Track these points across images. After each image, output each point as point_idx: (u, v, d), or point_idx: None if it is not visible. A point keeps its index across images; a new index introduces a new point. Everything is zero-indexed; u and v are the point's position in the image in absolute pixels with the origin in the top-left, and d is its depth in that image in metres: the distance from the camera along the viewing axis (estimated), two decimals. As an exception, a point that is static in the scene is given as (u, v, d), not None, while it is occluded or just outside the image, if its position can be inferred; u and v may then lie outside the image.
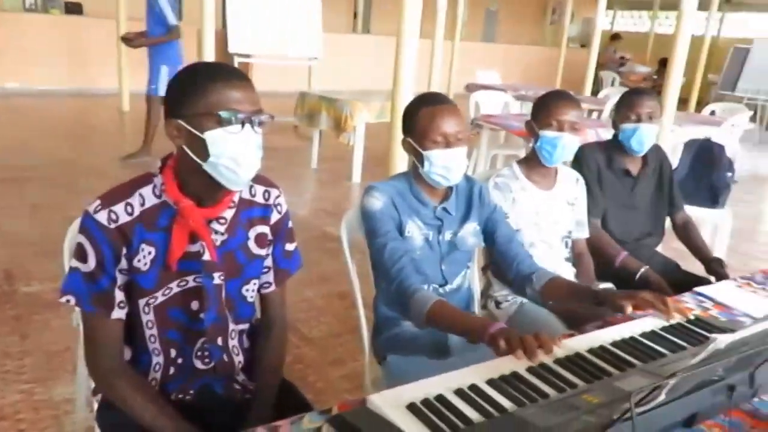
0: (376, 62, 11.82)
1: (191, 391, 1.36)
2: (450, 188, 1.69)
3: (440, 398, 0.98)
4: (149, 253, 1.24)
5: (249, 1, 7.55)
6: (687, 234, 2.48)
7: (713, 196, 3.83)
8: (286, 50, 7.93)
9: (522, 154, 5.39)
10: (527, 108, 7.41)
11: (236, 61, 7.35)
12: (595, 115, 7.19)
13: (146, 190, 1.25)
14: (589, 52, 9.38)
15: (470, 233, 1.72)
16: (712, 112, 7.02)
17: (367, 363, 1.72)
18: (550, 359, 1.15)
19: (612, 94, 7.78)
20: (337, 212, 4.74)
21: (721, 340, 0.82)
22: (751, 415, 1.14)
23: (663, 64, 10.02)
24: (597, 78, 11.25)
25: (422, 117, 1.62)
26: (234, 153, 1.20)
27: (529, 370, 1.11)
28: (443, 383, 1.03)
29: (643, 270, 2.16)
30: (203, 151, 1.19)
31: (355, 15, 14.15)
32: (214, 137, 1.18)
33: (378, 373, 1.73)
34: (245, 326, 1.44)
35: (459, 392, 1.01)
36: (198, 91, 1.18)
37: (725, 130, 5.47)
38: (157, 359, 1.34)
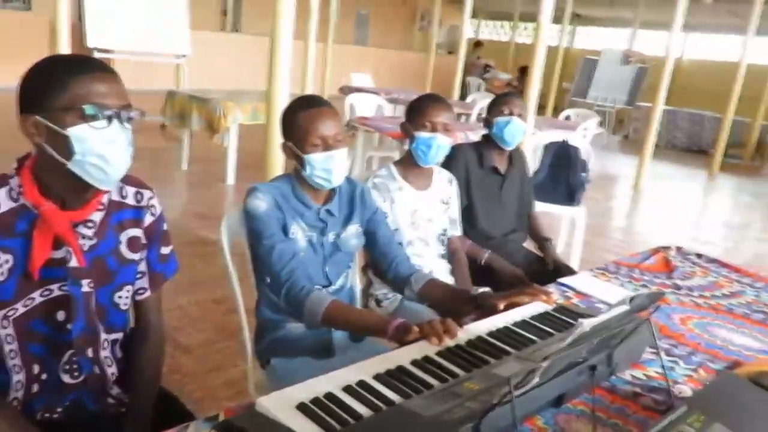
0: (247, 62, 11.57)
1: (59, 409, 1.26)
2: (333, 190, 1.70)
3: (329, 396, 0.99)
4: (6, 261, 1.14)
5: (109, -8, 7.11)
6: (531, 224, 2.72)
7: (570, 195, 4.12)
8: (152, 47, 7.54)
9: (396, 155, 5.53)
10: (400, 111, 7.60)
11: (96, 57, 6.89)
12: (463, 118, 7.51)
13: (1, 194, 1.14)
14: (455, 58, 9.78)
15: (353, 234, 1.74)
16: (567, 117, 7.60)
17: (250, 367, 1.69)
18: (443, 345, 1.21)
19: (478, 98, 8.18)
20: (211, 215, 4.59)
21: (586, 324, 0.90)
22: (610, 391, 1.26)
23: (522, 71, 10.71)
24: (464, 83, 11.79)
25: (300, 120, 1.61)
26: (101, 150, 1.13)
27: (413, 363, 1.14)
28: (331, 381, 1.04)
29: (487, 255, 2.34)
30: (67, 149, 1.11)
31: (225, 13, 13.77)
32: (78, 134, 1.10)
33: (261, 377, 1.70)
34: (118, 335, 1.36)
35: (347, 389, 1.02)
36: (58, 84, 1.10)
37: (579, 133, 5.93)
38: (18, 377, 1.23)
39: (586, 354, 1.13)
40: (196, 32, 8.60)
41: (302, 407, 0.95)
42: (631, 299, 1.02)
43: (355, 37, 16.54)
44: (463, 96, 10.64)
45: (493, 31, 20.44)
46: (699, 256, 2.29)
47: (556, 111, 11.26)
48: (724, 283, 2.05)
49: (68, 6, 4.25)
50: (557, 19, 11.83)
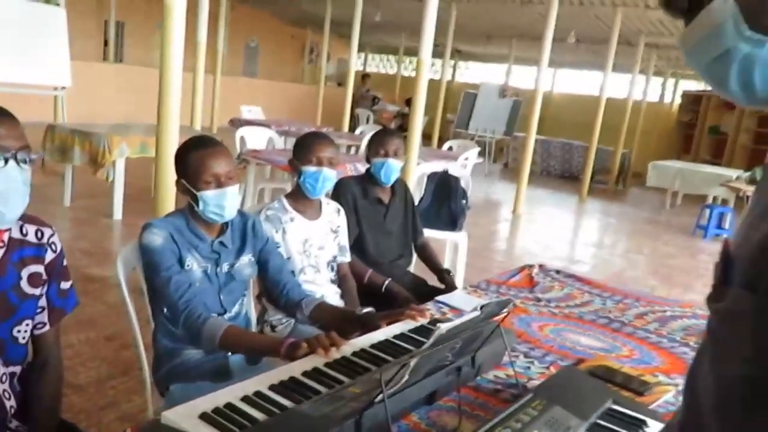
0: (131, 93, 11.32)
1: (-43, 444, 1.29)
2: (225, 223, 1.82)
3: (229, 405, 1.12)
4: None
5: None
6: (424, 253, 2.94)
7: (452, 221, 4.43)
8: (30, 78, 7.20)
9: (287, 187, 5.65)
10: (290, 143, 7.75)
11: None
12: (353, 150, 7.76)
13: None
14: (345, 90, 10.09)
15: (246, 264, 1.87)
16: (450, 148, 8.07)
17: (149, 395, 1.76)
18: (329, 357, 1.36)
19: (367, 130, 8.48)
20: (97, 252, 4.49)
21: (443, 328, 1.09)
22: (475, 389, 1.46)
23: (408, 103, 11.20)
24: (353, 115, 12.15)
25: (193, 160, 1.73)
26: None
27: (304, 373, 1.29)
28: (231, 393, 1.16)
29: (387, 282, 2.52)
30: None
31: (106, 43, 13.37)
32: None
33: (160, 405, 1.77)
34: (16, 369, 1.41)
35: (245, 398, 1.15)
36: None
37: (460, 163, 6.34)
38: None
39: (452, 357, 1.33)
40: (77, 62, 8.34)
41: (205, 416, 1.07)
42: (482, 307, 1.23)
43: (244, 69, 16.56)
44: (352, 128, 10.97)
45: (380, 64, 21.16)
46: (558, 272, 2.61)
47: (441, 141, 11.84)
48: (577, 294, 2.36)
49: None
50: (439, 54, 12.54)
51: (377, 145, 2.70)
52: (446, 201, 4.45)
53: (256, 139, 6.22)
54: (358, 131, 9.26)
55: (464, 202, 4.55)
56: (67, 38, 7.30)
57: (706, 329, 0.67)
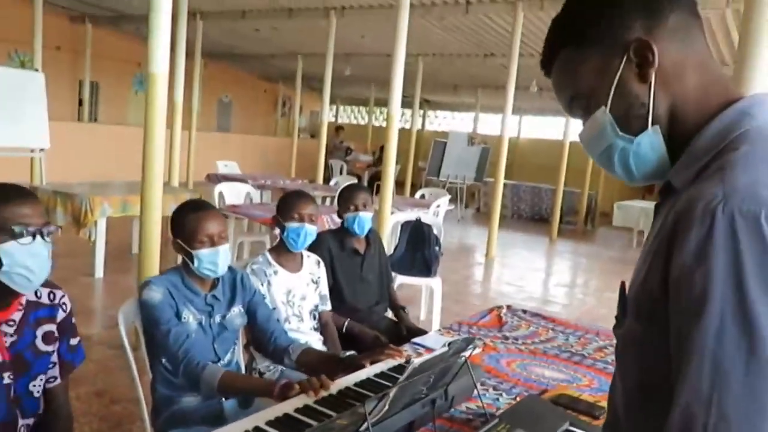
0: (107, 152, 11.46)
1: (-19, 491, 1.42)
2: (217, 278, 1.99)
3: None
4: (-62, 359, 1.32)
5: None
6: (389, 296, 3.14)
7: (427, 268, 4.63)
8: (9, 140, 7.32)
9: (265, 239, 5.82)
10: (267, 196, 7.94)
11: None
12: (328, 201, 7.97)
13: None
14: (318, 142, 10.37)
15: (237, 315, 2.04)
16: (422, 196, 8.34)
17: (150, 438, 1.89)
18: (318, 396, 1.52)
19: (341, 181, 8.72)
20: (81, 310, 4.57)
21: (416, 362, 1.27)
22: (449, 419, 1.63)
23: (382, 149, 11.51)
24: (327, 165, 12.41)
25: (189, 221, 1.92)
26: (26, 262, 1.37)
27: (297, 410, 1.46)
28: (232, 430, 1.32)
29: (346, 323, 2.68)
30: None
31: (81, 102, 13.55)
32: (7, 249, 1.34)
33: (159, 452, 1.89)
34: (31, 421, 1.54)
35: (268, 422, 1.31)
36: None
37: (432, 211, 6.58)
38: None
39: (426, 390, 1.50)
40: (53, 123, 8.48)
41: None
42: (449, 344, 1.42)
43: (218, 124, 16.83)
44: (327, 178, 11.21)
45: (351, 115, 21.68)
46: (524, 311, 2.80)
47: (414, 187, 12.15)
48: (542, 331, 2.55)
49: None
50: (408, 104, 12.99)
51: (347, 201, 2.91)
52: (420, 248, 4.65)
53: (234, 194, 6.40)
54: (332, 182, 9.50)
55: (437, 248, 4.75)
56: (45, 102, 7.48)
57: (615, 352, 0.87)
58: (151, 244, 3.69)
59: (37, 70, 7.56)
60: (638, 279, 0.79)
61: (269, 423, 1.37)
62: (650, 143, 0.83)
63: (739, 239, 0.65)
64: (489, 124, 16.79)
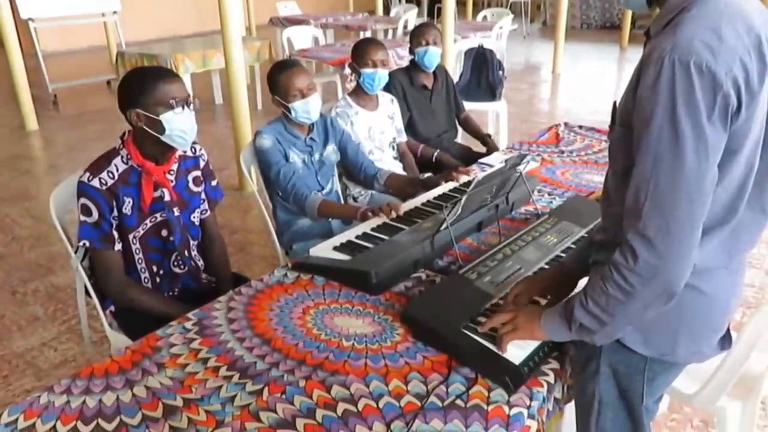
0: (174, 4, 11.66)
1: (176, 289, 2.00)
2: (312, 123, 2.40)
3: (348, 241, 1.76)
4: (129, 202, 1.83)
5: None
6: (467, 125, 3.49)
7: (491, 92, 4.88)
8: (78, 7, 7.67)
9: (335, 79, 6.13)
10: (330, 36, 8.09)
11: (31, 27, 7.07)
12: (390, 33, 8.03)
13: (117, 160, 1.82)
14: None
15: (331, 152, 2.47)
16: (485, 17, 8.24)
17: (280, 253, 2.44)
18: (393, 216, 1.98)
19: (401, 11, 8.67)
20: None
21: (480, 175, 1.66)
22: (511, 219, 2.06)
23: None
24: (385, -5, 12.14)
25: (281, 80, 2.29)
26: (182, 126, 1.80)
27: (381, 224, 1.92)
28: (346, 236, 1.80)
29: (436, 153, 3.08)
30: (160, 127, 1.78)
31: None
32: (167, 118, 1.77)
33: (287, 259, 2.45)
34: (196, 242, 2.08)
35: (357, 236, 1.79)
36: (150, 88, 1.75)
37: (495, 34, 6.61)
38: (144, 274, 1.95)
39: (490, 198, 1.91)
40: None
41: (337, 248, 1.71)
42: (506, 161, 1.79)
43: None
44: (386, 8, 11.06)
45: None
46: (581, 127, 3.10)
47: (476, 6, 11.81)
48: (595, 143, 2.87)
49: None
50: None
51: (418, 37, 3.17)
52: (484, 73, 4.87)
53: (301, 38, 6.62)
54: (392, 12, 9.44)
55: (501, 72, 4.95)
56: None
57: (608, 148, 1.24)
58: (239, 92, 4.13)
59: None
60: (623, 98, 1.13)
61: (374, 228, 1.84)
62: None
63: (675, 80, 0.97)
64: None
